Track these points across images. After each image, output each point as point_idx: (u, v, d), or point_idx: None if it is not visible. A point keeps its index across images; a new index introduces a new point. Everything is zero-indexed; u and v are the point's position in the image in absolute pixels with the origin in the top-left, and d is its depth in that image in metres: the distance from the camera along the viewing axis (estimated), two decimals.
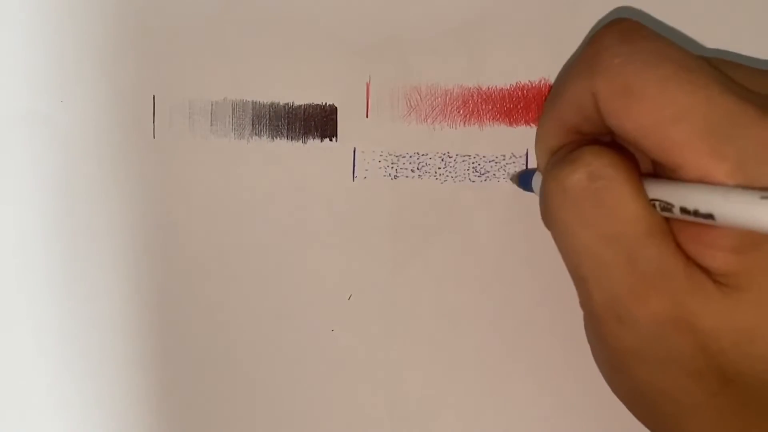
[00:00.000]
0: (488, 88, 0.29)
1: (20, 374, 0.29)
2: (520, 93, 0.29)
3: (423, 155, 0.29)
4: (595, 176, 0.22)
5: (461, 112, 0.29)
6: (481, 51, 0.29)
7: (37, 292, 0.29)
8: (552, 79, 0.29)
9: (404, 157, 0.29)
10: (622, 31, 0.23)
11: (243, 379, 0.29)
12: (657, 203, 0.22)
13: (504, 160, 0.29)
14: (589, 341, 0.25)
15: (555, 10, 0.29)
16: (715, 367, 0.22)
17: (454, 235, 0.29)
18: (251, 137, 0.29)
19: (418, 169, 0.29)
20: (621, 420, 0.28)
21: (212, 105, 0.29)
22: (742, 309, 0.22)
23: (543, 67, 0.29)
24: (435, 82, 0.29)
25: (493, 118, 0.29)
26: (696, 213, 0.21)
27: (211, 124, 0.29)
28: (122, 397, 0.29)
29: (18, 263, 0.29)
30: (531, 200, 0.29)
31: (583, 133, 0.24)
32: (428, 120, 0.29)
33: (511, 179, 0.29)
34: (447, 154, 0.29)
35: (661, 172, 0.23)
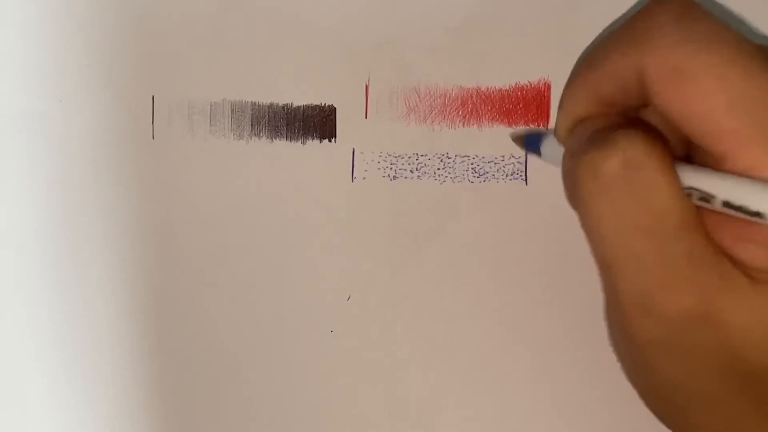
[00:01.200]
0: (487, 89, 0.29)
1: (17, 375, 0.29)
2: (519, 93, 0.29)
3: (422, 156, 0.29)
4: (630, 164, 0.21)
5: (460, 112, 0.29)
6: (480, 51, 0.29)
7: (35, 293, 0.29)
8: (552, 80, 0.29)
9: (403, 157, 0.29)
10: (677, 8, 0.22)
11: (242, 380, 0.29)
12: (694, 193, 0.21)
13: (503, 160, 0.29)
14: (610, 331, 0.24)
15: (555, 10, 0.29)
16: (740, 364, 0.22)
17: (453, 235, 0.29)
18: (250, 138, 0.29)
19: (417, 169, 0.29)
20: (621, 420, 0.28)
21: (211, 106, 0.29)
22: None
23: (542, 67, 0.28)
24: (434, 83, 0.29)
25: (492, 119, 0.29)
26: (742, 209, 0.20)
27: (211, 125, 0.29)
28: (121, 398, 0.29)
29: (16, 263, 0.29)
30: (530, 201, 0.29)
31: (615, 105, 0.24)
32: (427, 121, 0.29)
33: (512, 138, 0.28)
34: (446, 155, 0.29)
35: (701, 158, 0.22)
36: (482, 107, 0.29)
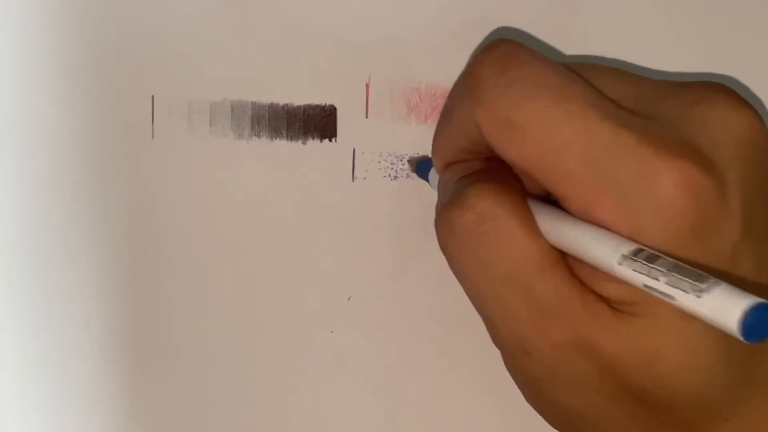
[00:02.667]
0: None
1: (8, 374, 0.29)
2: None
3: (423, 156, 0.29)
4: (482, 218, 0.22)
5: None
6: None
7: (34, 293, 0.29)
8: None
9: (404, 157, 0.29)
10: (498, 58, 0.22)
11: (241, 381, 0.29)
12: (552, 233, 0.22)
13: None
14: (509, 373, 0.26)
15: (555, 10, 0.29)
16: (624, 388, 0.22)
17: None
18: (250, 138, 0.29)
19: None
20: None
21: (211, 105, 0.28)
22: (641, 334, 0.22)
23: None
24: (435, 82, 0.29)
25: None
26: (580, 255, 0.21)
27: (210, 125, 0.29)
28: (119, 398, 0.29)
29: (16, 263, 0.29)
30: None
31: (476, 152, 0.24)
32: (428, 120, 0.29)
33: (408, 161, 0.29)
34: None
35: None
36: None
